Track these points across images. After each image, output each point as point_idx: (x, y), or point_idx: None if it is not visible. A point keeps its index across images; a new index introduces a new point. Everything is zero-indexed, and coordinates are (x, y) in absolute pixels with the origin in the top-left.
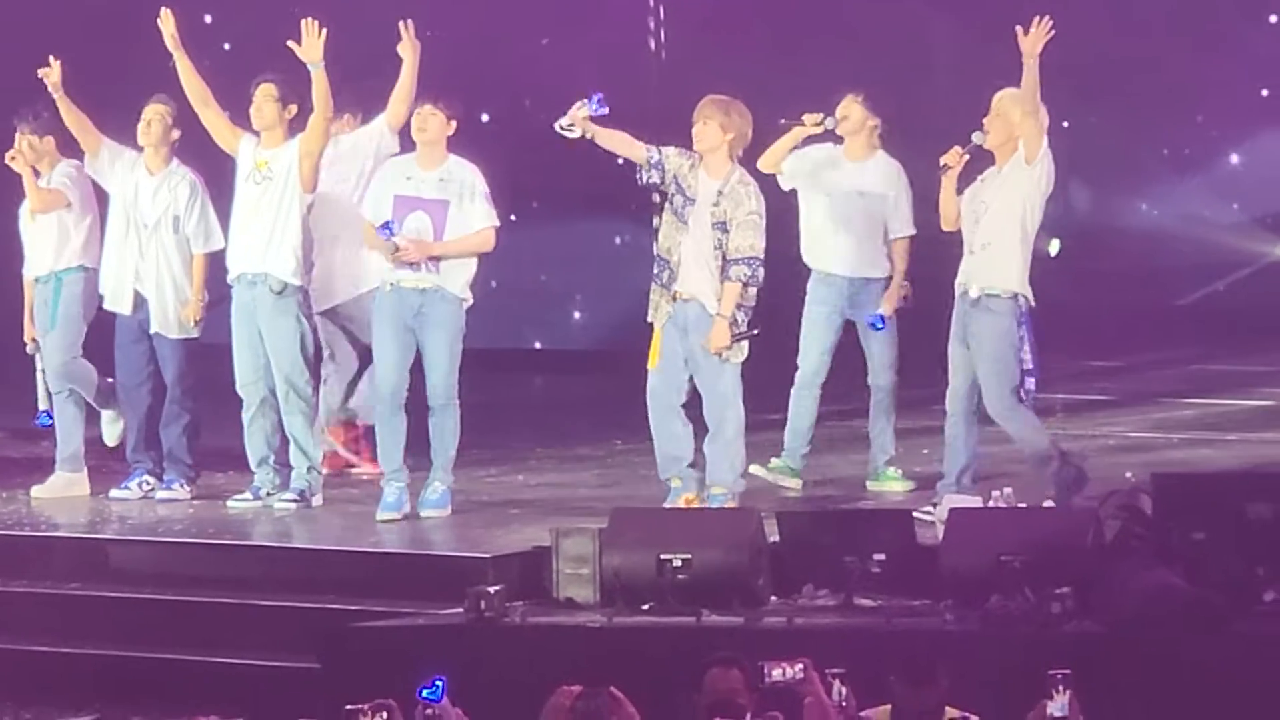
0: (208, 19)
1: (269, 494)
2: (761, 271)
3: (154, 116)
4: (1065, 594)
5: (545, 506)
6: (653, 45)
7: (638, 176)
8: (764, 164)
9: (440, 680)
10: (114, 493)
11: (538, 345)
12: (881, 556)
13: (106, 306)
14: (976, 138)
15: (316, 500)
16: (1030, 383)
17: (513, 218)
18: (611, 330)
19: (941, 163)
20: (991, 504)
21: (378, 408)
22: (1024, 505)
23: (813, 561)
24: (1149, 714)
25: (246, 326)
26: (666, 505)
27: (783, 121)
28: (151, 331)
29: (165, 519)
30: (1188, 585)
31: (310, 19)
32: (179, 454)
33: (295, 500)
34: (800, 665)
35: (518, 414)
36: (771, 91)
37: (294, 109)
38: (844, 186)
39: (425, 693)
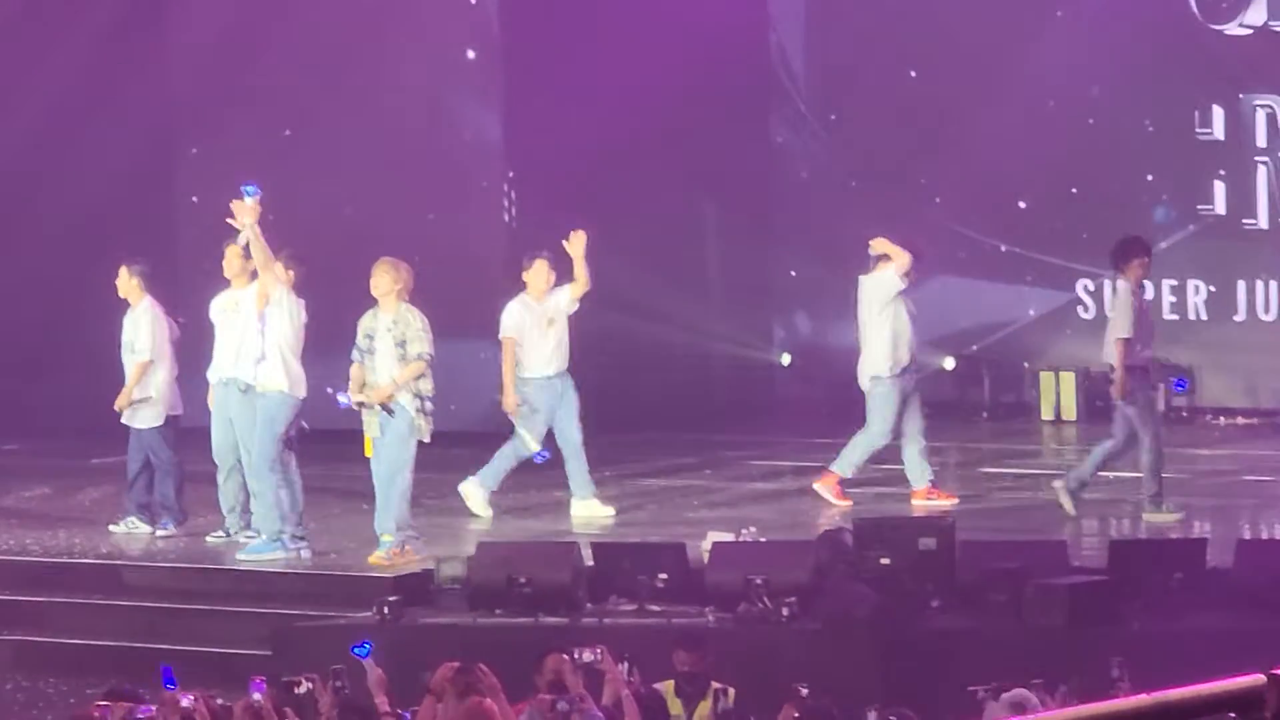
0: (195, 199)
1: (236, 532)
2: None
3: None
4: (793, 602)
5: (431, 539)
6: (506, 218)
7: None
8: None
9: (369, 643)
10: (121, 529)
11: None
12: (665, 576)
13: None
14: None
15: None
16: None
17: None
18: (480, 419)
19: None
20: (742, 539)
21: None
22: (764, 539)
23: (617, 579)
24: (860, 683)
25: (221, 414)
26: (378, 554)
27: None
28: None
29: (162, 549)
30: (879, 595)
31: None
32: (170, 504)
33: (255, 536)
34: (599, 649)
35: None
36: (600, 260)
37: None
38: None
39: (355, 650)
